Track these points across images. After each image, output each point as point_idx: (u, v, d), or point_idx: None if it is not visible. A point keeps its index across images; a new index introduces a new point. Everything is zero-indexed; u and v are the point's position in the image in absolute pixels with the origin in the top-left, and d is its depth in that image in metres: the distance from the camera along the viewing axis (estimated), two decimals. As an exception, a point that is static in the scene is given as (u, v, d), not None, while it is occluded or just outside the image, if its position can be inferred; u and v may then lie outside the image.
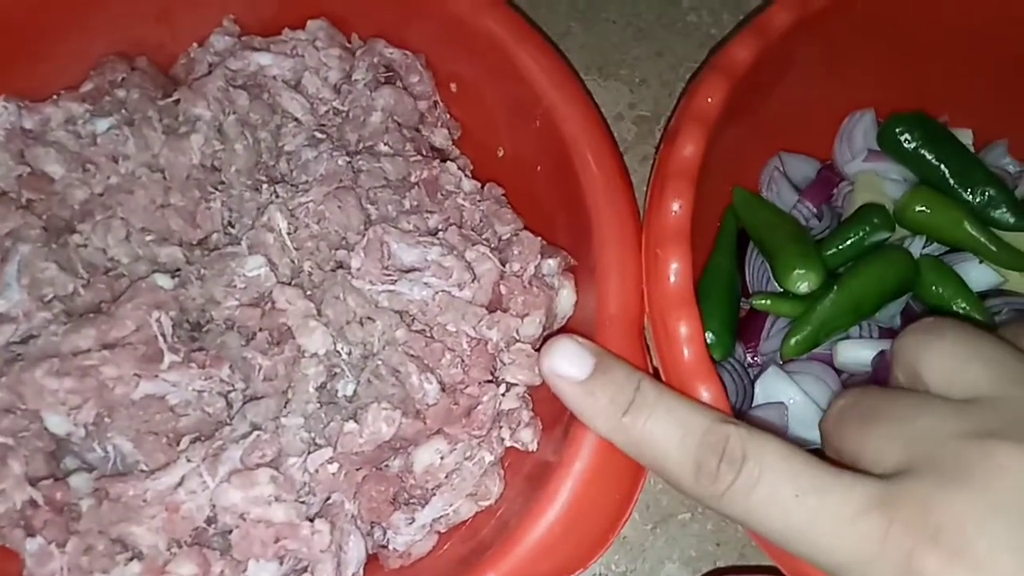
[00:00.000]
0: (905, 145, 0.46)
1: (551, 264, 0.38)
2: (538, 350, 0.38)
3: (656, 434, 0.29)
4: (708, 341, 0.42)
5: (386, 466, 0.37)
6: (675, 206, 0.35)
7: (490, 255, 0.37)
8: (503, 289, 0.37)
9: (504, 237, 0.39)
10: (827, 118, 0.49)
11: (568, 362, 0.30)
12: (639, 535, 0.46)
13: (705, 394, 0.32)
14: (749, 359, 0.46)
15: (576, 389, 0.30)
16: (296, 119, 0.41)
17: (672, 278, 0.34)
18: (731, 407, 0.41)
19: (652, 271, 0.35)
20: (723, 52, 0.39)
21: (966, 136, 0.48)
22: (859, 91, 0.48)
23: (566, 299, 0.38)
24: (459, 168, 0.43)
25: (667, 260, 0.34)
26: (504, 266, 0.38)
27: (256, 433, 0.35)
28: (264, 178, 0.40)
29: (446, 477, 0.37)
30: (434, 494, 0.37)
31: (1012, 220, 0.44)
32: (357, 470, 0.35)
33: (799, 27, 0.39)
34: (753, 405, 0.42)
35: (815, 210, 0.48)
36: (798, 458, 0.27)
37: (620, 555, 0.45)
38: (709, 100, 0.37)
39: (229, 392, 0.36)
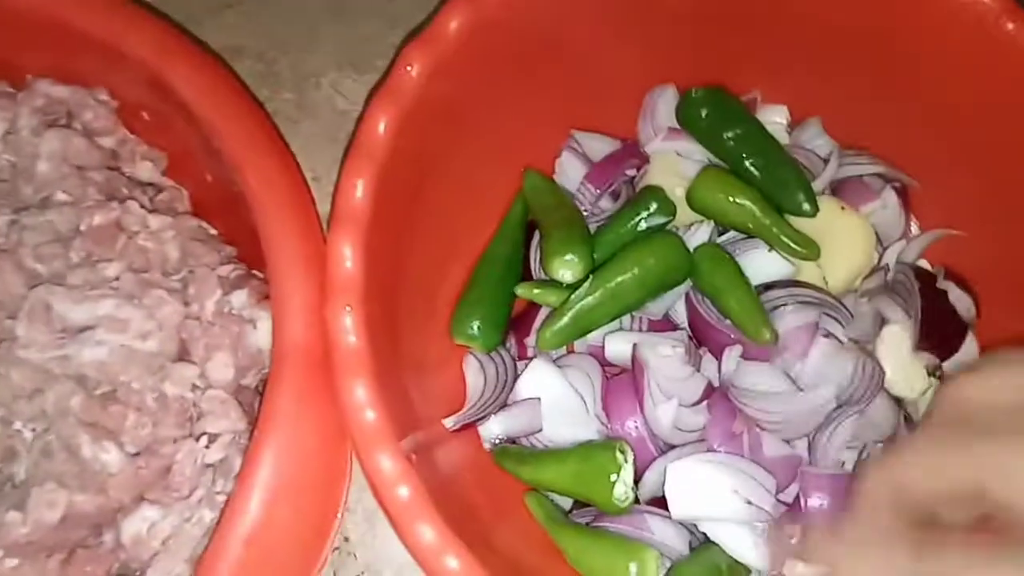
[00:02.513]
0: (700, 122, 0.42)
1: (241, 296, 0.35)
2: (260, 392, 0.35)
3: None
4: (473, 332, 0.40)
5: (100, 543, 0.34)
6: (357, 190, 0.31)
7: (168, 298, 0.34)
8: (184, 334, 0.34)
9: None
10: (635, 94, 0.45)
11: None
12: None
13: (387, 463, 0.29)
14: (529, 352, 0.42)
15: None
16: (-31, 180, 0.37)
17: (349, 336, 0.30)
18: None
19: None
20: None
21: (781, 112, 0.45)
22: (668, 64, 0.44)
23: (265, 331, 0.35)
24: (165, 202, 0.40)
25: (338, 314, 0.30)
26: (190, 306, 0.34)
27: (-69, 536, 0.32)
28: (-63, 251, 0.36)
29: (162, 544, 0.34)
30: (150, 564, 0.34)
31: (805, 206, 0.40)
32: (48, 556, 0.32)
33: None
34: (510, 401, 0.39)
35: (597, 192, 0.44)
36: None
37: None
38: (408, 69, 0.33)
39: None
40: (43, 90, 0.38)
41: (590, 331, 0.39)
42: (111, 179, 0.39)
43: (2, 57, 0.39)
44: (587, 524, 0.38)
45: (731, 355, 0.38)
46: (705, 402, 0.37)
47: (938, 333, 0.38)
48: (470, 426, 0.39)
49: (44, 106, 0.38)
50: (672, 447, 0.37)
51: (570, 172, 0.45)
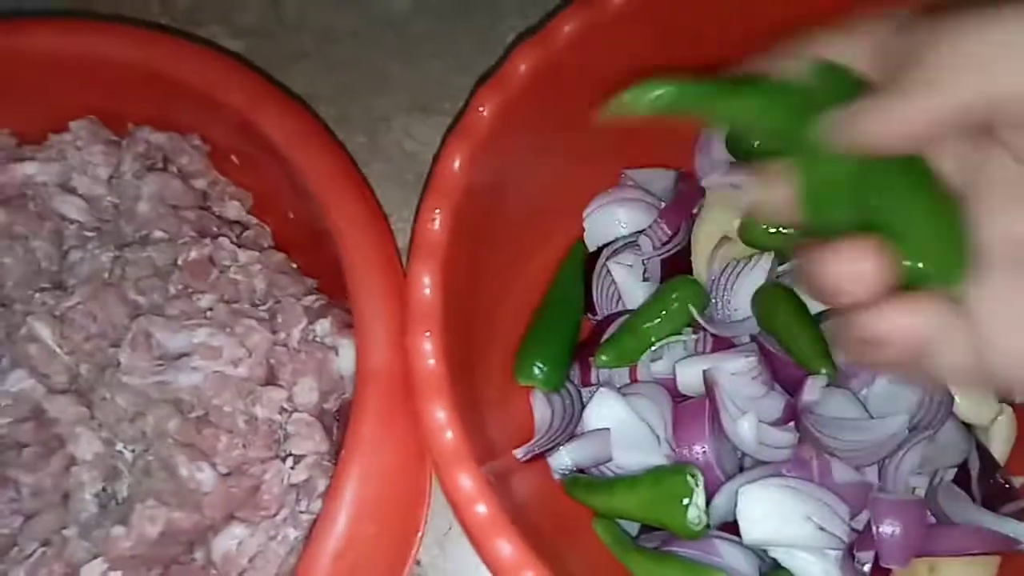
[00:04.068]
0: (752, 150, 0.43)
1: (324, 325, 0.37)
2: (338, 416, 0.37)
3: None
4: (536, 374, 0.41)
5: (192, 559, 0.36)
6: (435, 222, 0.33)
7: (257, 327, 0.36)
8: (272, 360, 0.36)
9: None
10: (688, 127, 0.46)
11: None
12: None
13: (467, 481, 0.30)
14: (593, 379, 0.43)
15: None
16: (77, 221, 0.41)
17: (429, 361, 0.32)
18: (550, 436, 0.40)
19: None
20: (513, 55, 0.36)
21: None
22: None
23: (347, 358, 0.37)
24: (251, 239, 0.42)
25: (418, 340, 0.32)
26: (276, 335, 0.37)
27: (42, 550, 0.34)
28: (48, 285, 0.39)
29: (249, 561, 0.36)
30: (237, 581, 0.35)
31: None
32: (148, 570, 0.34)
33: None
34: (578, 431, 0.40)
35: (670, 232, 0.44)
36: None
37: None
38: (480, 110, 0.36)
39: (17, 509, 0.35)
40: (143, 137, 0.41)
41: (647, 348, 0.41)
42: (202, 218, 0.42)
43: (108, 108, 0.42)
44: (655, 549, 0.38)
45: (815, 384, 0.37)
46: (791, 422, 0.38)
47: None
48: (539, 456, 0.40)
49: (145, 151, 0.41)
50: (741, 470, 0.38)
51: (634, 216, 0.46)
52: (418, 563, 0.43)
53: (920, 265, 0.22)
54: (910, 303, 0.22)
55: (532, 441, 0.40)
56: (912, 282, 0.23)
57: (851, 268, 0.22)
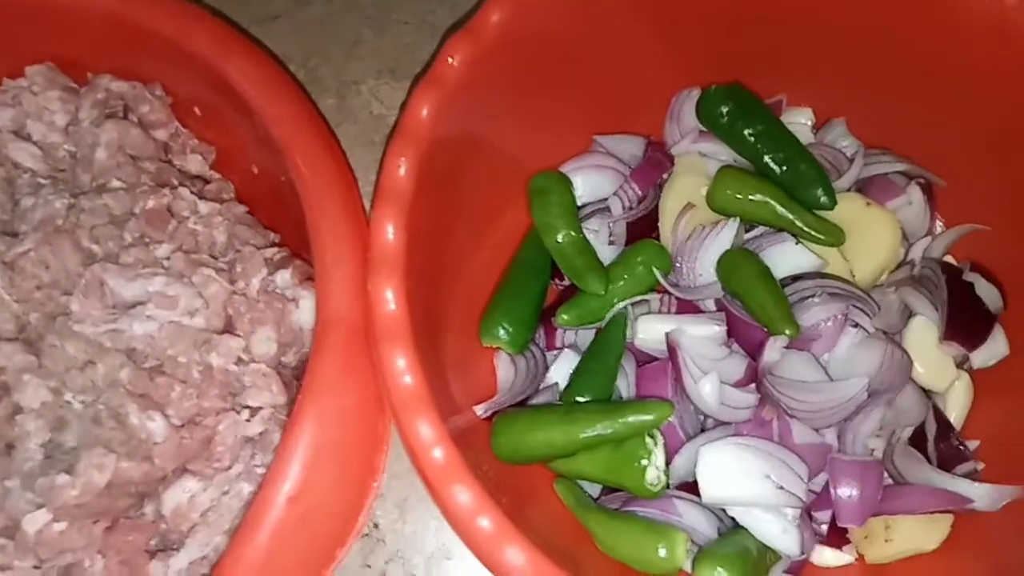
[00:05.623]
0: (720, 119, 0.43)
1: (284, 276, 0.36)
2: (296, 374, 0.36)
3: None
4: (500, 335, 0.41)
5: (141, 514, 0.35)
6: (401, 169, 0.33)
7: (216, 276, 0.35)
8: (230, 310, 0.35)
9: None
10: (659, 96, 0.46)
11: None
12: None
13: (425, 427, 0.30)
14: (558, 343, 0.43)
15: None
16: (30, 169, 0.40)
17: (390, 306, 0.31)
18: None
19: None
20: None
21: (806, 114, 0.46)
22: (694, 68, 0.45)
23: (307, 310, 0.36)
24: (212, 192, 0.41)
25: (380, 284, 0.31)
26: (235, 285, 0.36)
27: (-19, 500, 0.33)
28: (-1, 233, 0.38)
29: (201, 516, 0.35)
30: (189, 535, 0.35)
31: (823, 199, 0.41)
32: (94, 523, 0.33)
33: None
34: (540, 391, 0.40)
35: (641, 193, 0.44)
36: None
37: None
38: (450, 60, 0.35)
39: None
40: (104, 84, 0.40)
41: (609, 309, 0.41)
42: (163, 170, 0.41)
43: (70, 55, 0.41)
44: (616, 509, 0.38)
45: (775, 345, 0.37)
46: (752, 384, 0.38)
47: (964, 325, 0.38)
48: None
49: (104, 99, 0.40)
50: (703, 431, 0.38)
51: (602, 181, 0.46)
52: (376, 526, 0.43)
53: None
54: None
55: (493, 399, 0.39)
56: None
57: None
